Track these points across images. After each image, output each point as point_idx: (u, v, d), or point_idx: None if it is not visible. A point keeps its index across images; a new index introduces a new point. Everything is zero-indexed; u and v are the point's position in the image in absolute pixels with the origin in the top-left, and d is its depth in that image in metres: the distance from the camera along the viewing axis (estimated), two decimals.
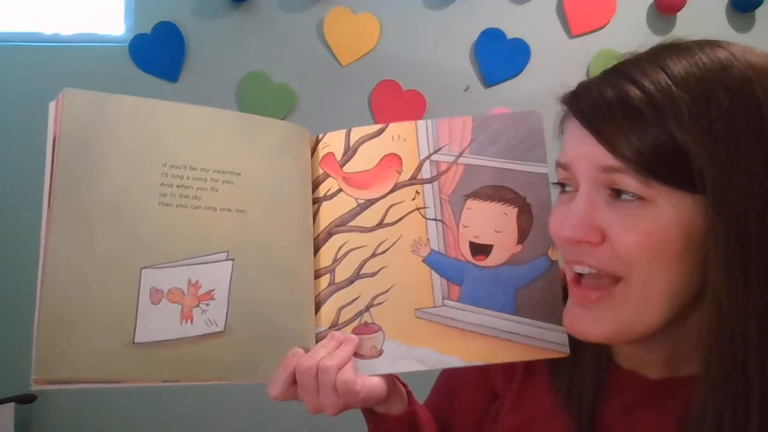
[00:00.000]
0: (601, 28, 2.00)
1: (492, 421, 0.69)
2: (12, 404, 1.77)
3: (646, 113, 0.49)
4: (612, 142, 0.50)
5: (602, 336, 0.55)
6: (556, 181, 0.59)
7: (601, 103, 0.51)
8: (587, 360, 0.61)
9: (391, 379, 0.66)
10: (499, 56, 1.99)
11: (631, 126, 0.49)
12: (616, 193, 0.52)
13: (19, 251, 1.55)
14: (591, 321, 0.55)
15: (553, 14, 2.01)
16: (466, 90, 1.99)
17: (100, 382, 0.56)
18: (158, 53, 1.96)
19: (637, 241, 0.50)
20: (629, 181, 0.50)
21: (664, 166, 0.48)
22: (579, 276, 0.56)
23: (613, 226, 0.51)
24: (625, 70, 0.52)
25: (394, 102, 1.98)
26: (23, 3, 2.04)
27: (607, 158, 0.51)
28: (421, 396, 0.75)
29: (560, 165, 0.56)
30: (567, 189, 0.57)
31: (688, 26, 1.96)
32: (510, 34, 2.00)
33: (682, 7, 1.94)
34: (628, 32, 1.96)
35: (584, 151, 0.53)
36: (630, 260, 0.51)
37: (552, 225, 0.57)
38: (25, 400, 1.81)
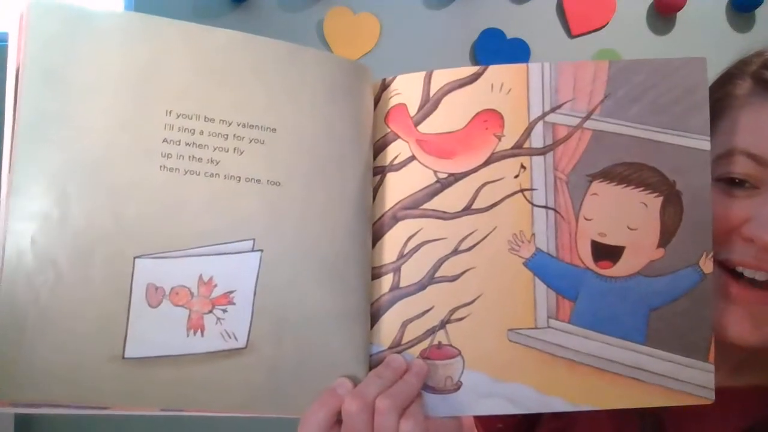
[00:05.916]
0: (601, 28, 1.92)
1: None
2: None
3: None
4: None
5: (759, 341, 0.49)
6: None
7: None
8: None
9: (469, 422, 0.49)
10: (499, 56, 1.91)
11: None
12: None
13: None
14: (755, 323, 0.48)
15: (553, 14, 1.93)
16: None
17: (79, 407, 0.40)
18: None
19: None
20: None
21: None
22: (738, 275, 0.49)
23: None
24: None
25: None
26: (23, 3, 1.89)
27: None
28: None
29: (750, 156, 0.48)
30: (742, 184, 0.49)
31: (688, 26, 1.90)
32: (510, 34, 1.91)
33: (682, 7, 1.87)
34: (628, 32, 1.90)
35: None
36: None
37: (731, 222, 0.48)
38: None
